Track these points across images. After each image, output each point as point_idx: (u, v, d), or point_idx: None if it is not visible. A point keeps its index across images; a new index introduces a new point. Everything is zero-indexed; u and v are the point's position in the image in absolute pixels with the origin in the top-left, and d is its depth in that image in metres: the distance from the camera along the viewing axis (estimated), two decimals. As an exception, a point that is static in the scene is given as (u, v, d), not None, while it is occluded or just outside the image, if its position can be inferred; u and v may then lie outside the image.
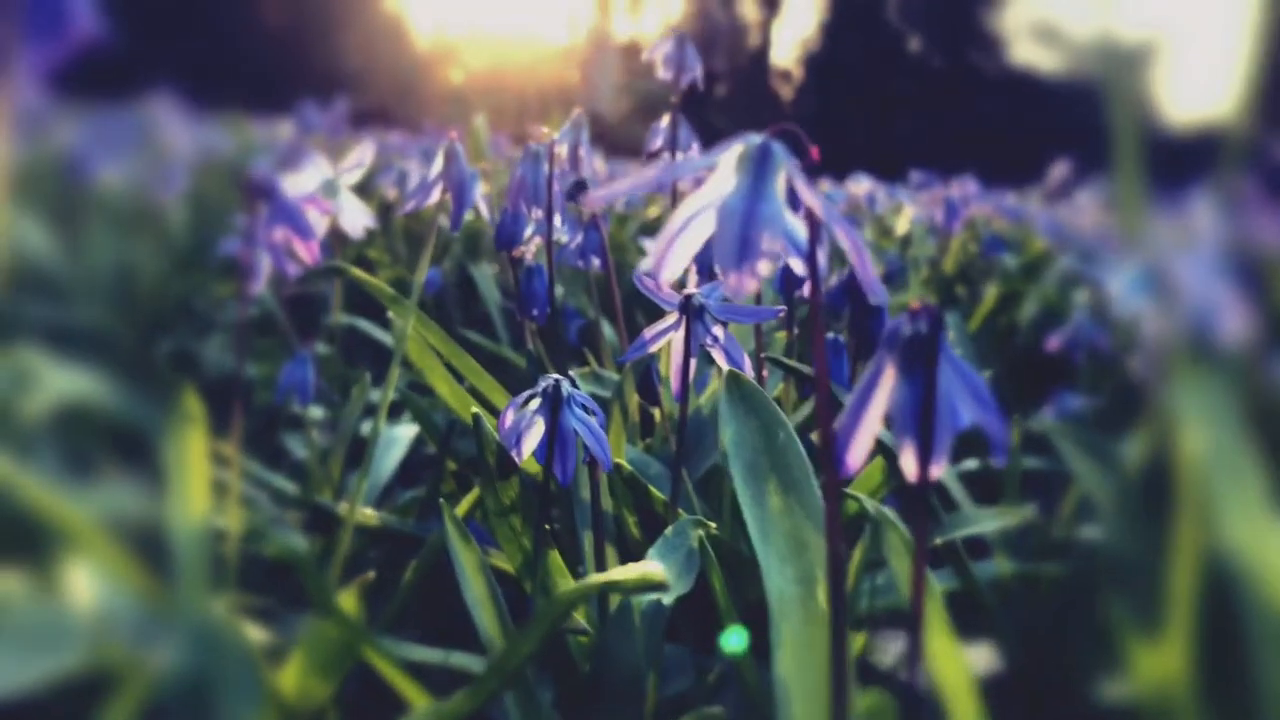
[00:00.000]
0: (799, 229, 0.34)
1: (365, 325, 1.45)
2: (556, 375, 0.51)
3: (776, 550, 0.42)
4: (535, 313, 0.81)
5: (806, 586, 0.42)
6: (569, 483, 0.51)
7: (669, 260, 0.32)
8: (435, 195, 0.74)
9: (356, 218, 0.90)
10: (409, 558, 0.92)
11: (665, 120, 0.86)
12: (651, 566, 0.44)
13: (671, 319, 0.62)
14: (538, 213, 0.75)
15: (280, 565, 0.93)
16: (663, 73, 0.87)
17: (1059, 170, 2.35)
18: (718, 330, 0.61)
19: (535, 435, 0.50)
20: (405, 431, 1.08)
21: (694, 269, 0.77)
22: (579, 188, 0.83)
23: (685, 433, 0.60)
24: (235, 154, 2.54)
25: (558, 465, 0.49)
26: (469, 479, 0.87)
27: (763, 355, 0.66)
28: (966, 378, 0.31)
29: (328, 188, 0.89)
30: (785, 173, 0.32)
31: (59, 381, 1.12)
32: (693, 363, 0.60)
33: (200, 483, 0.65)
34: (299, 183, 0.89)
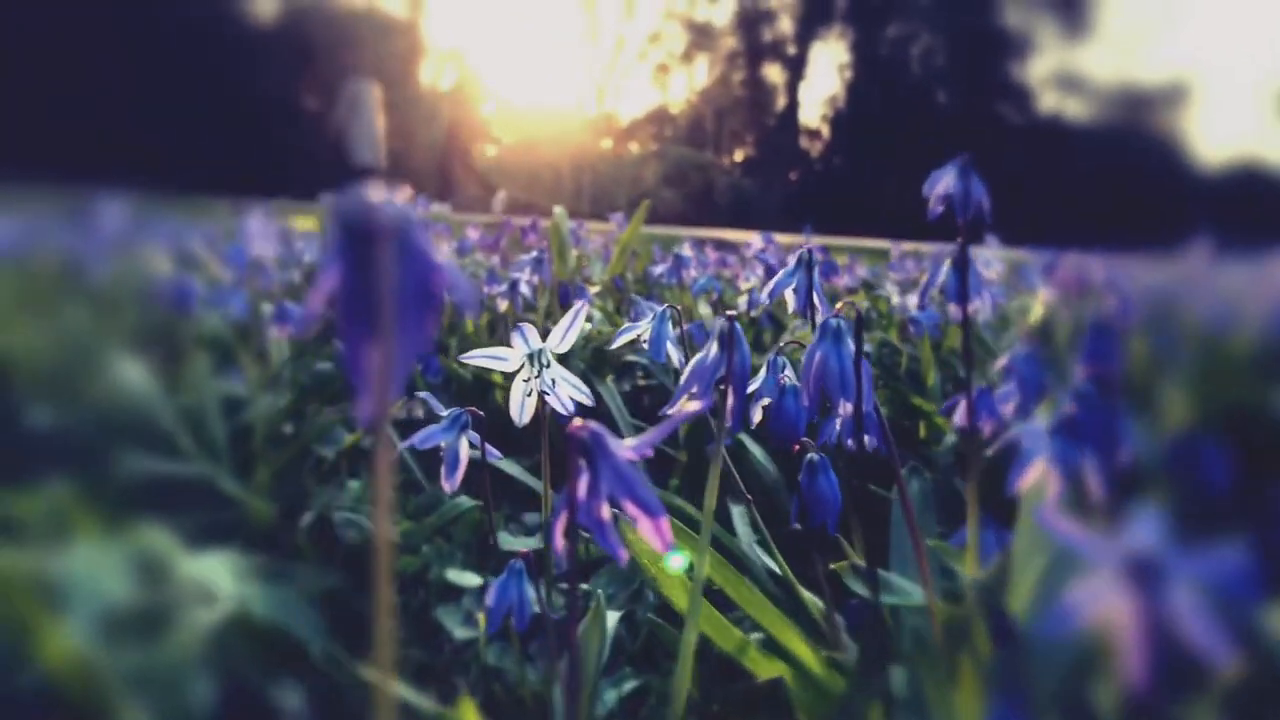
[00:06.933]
0: None
1: (507, 467, 1.29)
2: None
3: None
4: (826, 522, 0.64)
5: None
6: None
7: None
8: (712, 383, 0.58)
9: (569, 394, 0.75)
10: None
11: (947, 263, 0.71)
12: None
13: (1104, 578, 0.46)
14: (846, 406, 0.59)
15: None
16: (935, 205, 0.71)
17: (1203, 244, 2.17)
18: (1183, 595, 0.44)
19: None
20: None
21: (1054, 474, 0.60)
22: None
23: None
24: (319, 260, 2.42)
25: None
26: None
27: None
28: None
29: (536, 360, 0.74)
30: None
31: (191, 567, 0.95)
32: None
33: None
34: (504, 361, 0.74)
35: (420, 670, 0.98)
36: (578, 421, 0.42)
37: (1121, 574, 0.45)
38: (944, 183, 0.71)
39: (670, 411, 0.60)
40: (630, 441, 0.42)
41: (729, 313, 0.59)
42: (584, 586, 1.09)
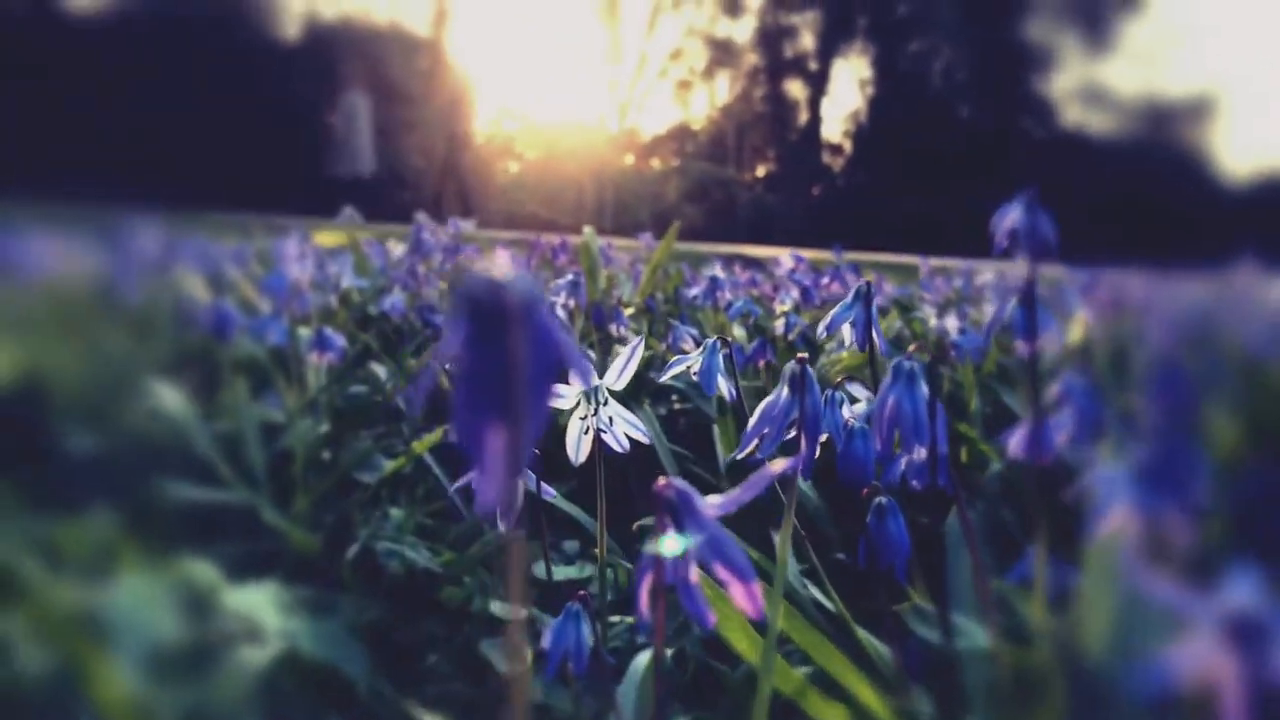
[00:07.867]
0: None
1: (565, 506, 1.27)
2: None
3: None
4: (894, 564, 0.63)
5: None
6: None
7: None
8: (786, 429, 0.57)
9: (625, 431, 0.74)
10: None
11: (1014, 302, 0.70)
12: None
13: (1204, 637, 0.44)
14: (920, 451, 0.58)
15: None
16: (1001, 240, 0.70)
17: (1249, 265, 2.13)
18: (1286, 657, 0.43)
19: None
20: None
21: (1135, 523, 0.59)
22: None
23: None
24: (359, 288, 2.43)
25: None
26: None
27: None
28: None
29: (593, 397, 0.73)
30: None
31: (236, 601, 0.94)
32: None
33: None
34: (562, 398, 0.73)
35: (467, 707, 0.97)
36: (662, 481, 0.41)
37: (1222, 633, 0.44)
38: (1011, 218, 0.70)
39: (740, 456, 0.59)
40: (715, 499, 0.41)
41: (800, 356, 0.57)
42: (628, 620, 1.08)
